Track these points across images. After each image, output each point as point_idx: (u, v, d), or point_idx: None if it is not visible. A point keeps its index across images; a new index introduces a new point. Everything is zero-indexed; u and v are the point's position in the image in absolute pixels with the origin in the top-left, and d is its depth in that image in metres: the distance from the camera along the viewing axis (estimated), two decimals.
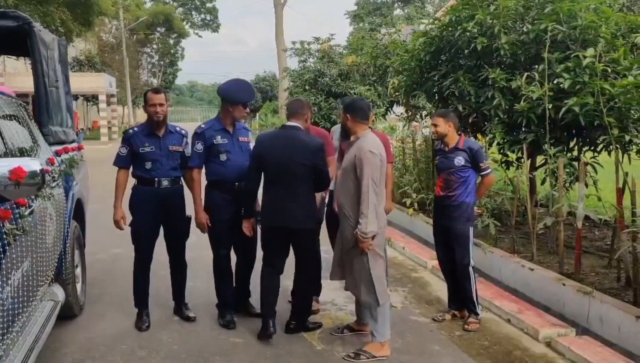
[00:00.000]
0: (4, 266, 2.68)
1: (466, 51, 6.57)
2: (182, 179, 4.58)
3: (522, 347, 4.21)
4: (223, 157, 4.39)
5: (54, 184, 4.02)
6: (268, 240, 4.29)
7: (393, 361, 3.93)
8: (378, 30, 21.89)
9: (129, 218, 4.51)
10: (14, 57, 16.05)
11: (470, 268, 4.54)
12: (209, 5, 55.56)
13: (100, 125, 31.21)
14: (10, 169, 2.55)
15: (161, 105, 4.33)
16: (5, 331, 2.71)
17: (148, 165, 4.38)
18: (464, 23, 6.37)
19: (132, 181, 4.53)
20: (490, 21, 6.19)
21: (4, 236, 2.72)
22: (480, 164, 4.51)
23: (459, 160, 4.48)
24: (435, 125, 4.63)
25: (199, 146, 4.39)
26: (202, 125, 4.50)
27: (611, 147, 5.41)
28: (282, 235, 4.20)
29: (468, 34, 6.31)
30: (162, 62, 53.32)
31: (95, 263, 6.09)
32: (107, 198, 4.82)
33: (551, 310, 4.74)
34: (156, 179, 4.39)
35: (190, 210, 4.58)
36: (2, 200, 2.66)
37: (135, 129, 4.55)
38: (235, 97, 4.40)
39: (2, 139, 3.29)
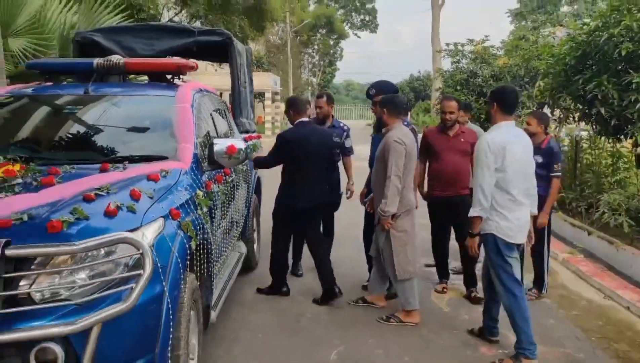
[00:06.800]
0: (216, 214, 3.84)
1: (614, 55, 6.68)
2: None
3: (635, 329, 4.58)
4: None
5: (244, 163, 5.22)
6: None
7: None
8: (539, 30, 21.41)
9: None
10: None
11: None
12: (368, 6, 57.20)
13: (264, 120, 33.88)
14: (227, 145, 3.68)
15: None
16: (217, 257, 3.89)
17: None
18: (611, 29, 6.57)
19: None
20: (638, 27, 6.34)
21: (218, 194, 3.89)
22: (555, 166, 4.92)
23: (537, 158, 4.72)
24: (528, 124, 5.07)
25: None
26: None
27: None
28: None
29: (614, 39, 6.50)
30: (321, 62, 55.95)
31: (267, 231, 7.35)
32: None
33: None
34: None
35: None
36: (219, 167, 3.81)
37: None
38: None
39: (215, 126, 4.52)
